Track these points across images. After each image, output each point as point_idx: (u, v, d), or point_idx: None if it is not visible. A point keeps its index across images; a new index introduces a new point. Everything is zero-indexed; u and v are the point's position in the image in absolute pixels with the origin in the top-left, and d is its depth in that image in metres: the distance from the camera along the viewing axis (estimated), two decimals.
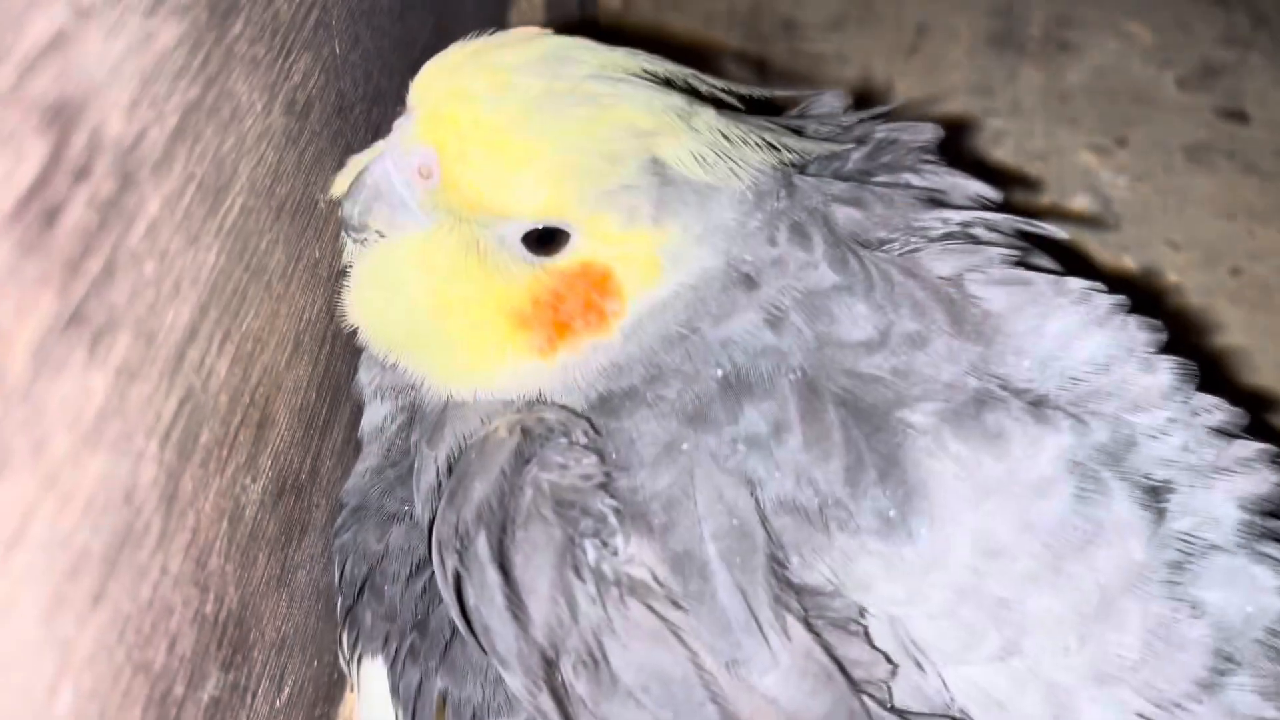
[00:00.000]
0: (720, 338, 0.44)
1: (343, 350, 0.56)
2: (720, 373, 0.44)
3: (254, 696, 0.47)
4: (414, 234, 0.47)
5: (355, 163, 0.50)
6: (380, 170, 0.46)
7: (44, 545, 0.30)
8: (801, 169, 0.51)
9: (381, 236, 0.48)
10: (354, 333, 0.52)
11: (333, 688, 0.60)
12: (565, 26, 1.01)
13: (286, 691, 0.51)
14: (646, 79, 0.45)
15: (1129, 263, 0.87)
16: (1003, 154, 0.96)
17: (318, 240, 0.51)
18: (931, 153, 0.60)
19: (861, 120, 0.55)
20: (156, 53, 0.34)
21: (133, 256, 0.33)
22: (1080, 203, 0.91)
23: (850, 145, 0.53)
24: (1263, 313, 0.84)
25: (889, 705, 0.42)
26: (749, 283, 0.45)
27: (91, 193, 0.30)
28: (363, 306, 0.50)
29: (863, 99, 0.96)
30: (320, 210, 0.51)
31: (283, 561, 0.49)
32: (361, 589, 0.50)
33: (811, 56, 1.04)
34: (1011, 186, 0.89)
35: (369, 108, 0.57)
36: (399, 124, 0.47)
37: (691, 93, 0.47)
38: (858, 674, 0.41)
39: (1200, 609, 0.43)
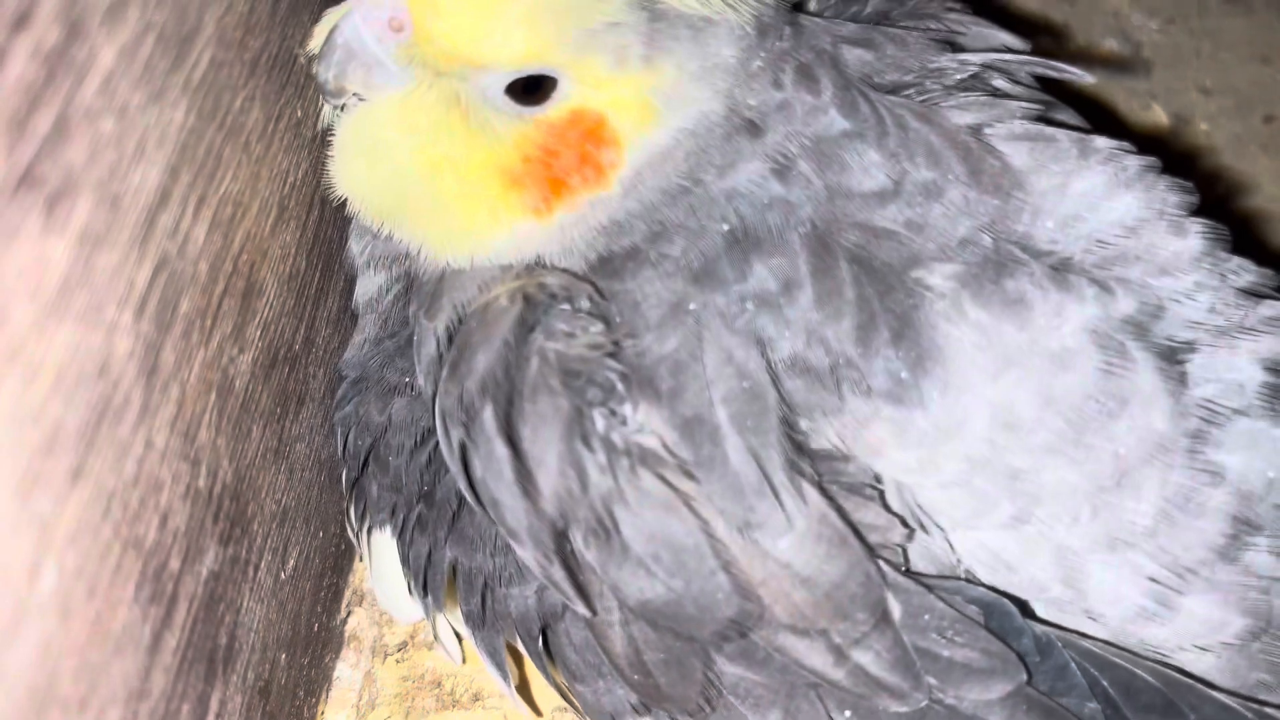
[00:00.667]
0: (725, 189, 0.42)
1: (333, 215, 0.53)
2: (726, 227, 0.41)
3: (256, 570, 0.46)
4: (393, 93, 0.44)
5: (325, 21, 0.47)
6: (350, 28, 0.43)
7: (11, 419, 0.28)
8: (815, 13, 0.48)
9: (360, 99, 0.45)
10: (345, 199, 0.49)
11: (340, 558, 0.59)
12: None
13: (291, 563, 0.51)
14: None
15: (1159, 110, 0.83)
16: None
17: (299, 98, 0.48)
18: (959, 3, 0.56)
19: None
20: None
21: (87, 113, 0.31)
22: (1109, 48, 0.87)
23: None
24: None
25: (904, 570, 0.41)
26: (753, 129, 0.43)
27: (34, 44, 0.28)
28: (347, 174, 0.47)
29: None
30: (300, 66, 0.48)
31: (279, 434, 0.48)
32: (366, 461, 0.49)
33: None
34: (1038, 35, 0.85)
35: None
36: None
37: None
38: (873, 539, 0.40)
39: (1221, 474, 0.41)
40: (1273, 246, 0.75)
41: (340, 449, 0.51)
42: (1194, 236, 0.44)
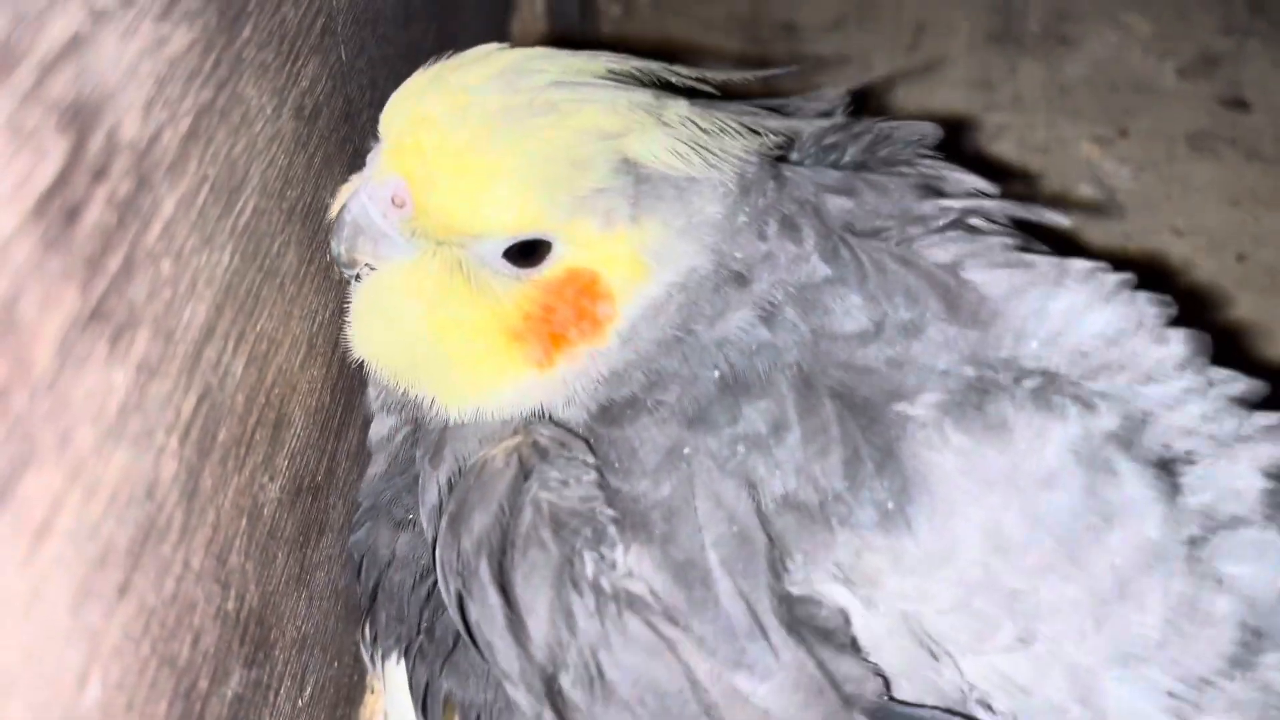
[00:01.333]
0: (716, 338, 0.45)
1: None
2: (718, 374, 0.44)
3: (276, 695, 0.47)
4: (401, 262, 0.47)
5: (340, 196, 0.50)
6: (358, 205, 0.46)
7: (71, 535, 0.30)
8: (796, 162, 0.51)
9: (371, 268, 0.48)
10: None
11: (353, 689, 0.60)
12: (565, 35, 1.02)
13: (309, 691, 0.52)
14: (611, 79, 0.45)
15: (1134, 252, 0.87)
16: (1005, 147, 0.97)
17: (329, 245, 0.52)
18: (929, 148, 0.60)
19: (850, 104, 0.56)
20: (169, 56, 0.34)
21: (150, 255, 0.34)
22: (1084, 193, 0.92)
23: (839, 120, 0.54)
24: (1271, 296, 0.84)
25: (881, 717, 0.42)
26: (740, 280, 0.45)
27: (110, 192, 0.31)
28: (363, 339, 0.50)
29: (862, 97, 0.97)
30: (331, 215, 0.52)
31: (301, 561, 0.50)
32: (376, 591, 0.51)
33: (812, 58, 1.05)
34: (1012, 181, 0.90)
35: (375, 113, 0.57)
36: (371, 156, 0.47)
37: (665, 86, 0.47)
38: (849, 689, 0.41)
39: (1226, 584, 0.42)
40: (1257, 360, 0.78)
41: (356, 573, 0.53)
42: (1176, 344, 0.46)
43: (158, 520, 0.35)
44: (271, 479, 0.45)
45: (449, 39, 0.73)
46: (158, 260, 0.34)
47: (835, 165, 0.55)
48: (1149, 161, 0.95)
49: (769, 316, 0.45)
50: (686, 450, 0.43)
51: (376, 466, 0.56)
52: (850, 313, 0.45)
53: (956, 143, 0.93)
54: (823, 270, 0.46)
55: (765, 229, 0.46)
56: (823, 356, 0.44)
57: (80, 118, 0.29)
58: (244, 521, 0.43)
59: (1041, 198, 0.88)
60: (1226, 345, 0.48)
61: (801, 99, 0.58)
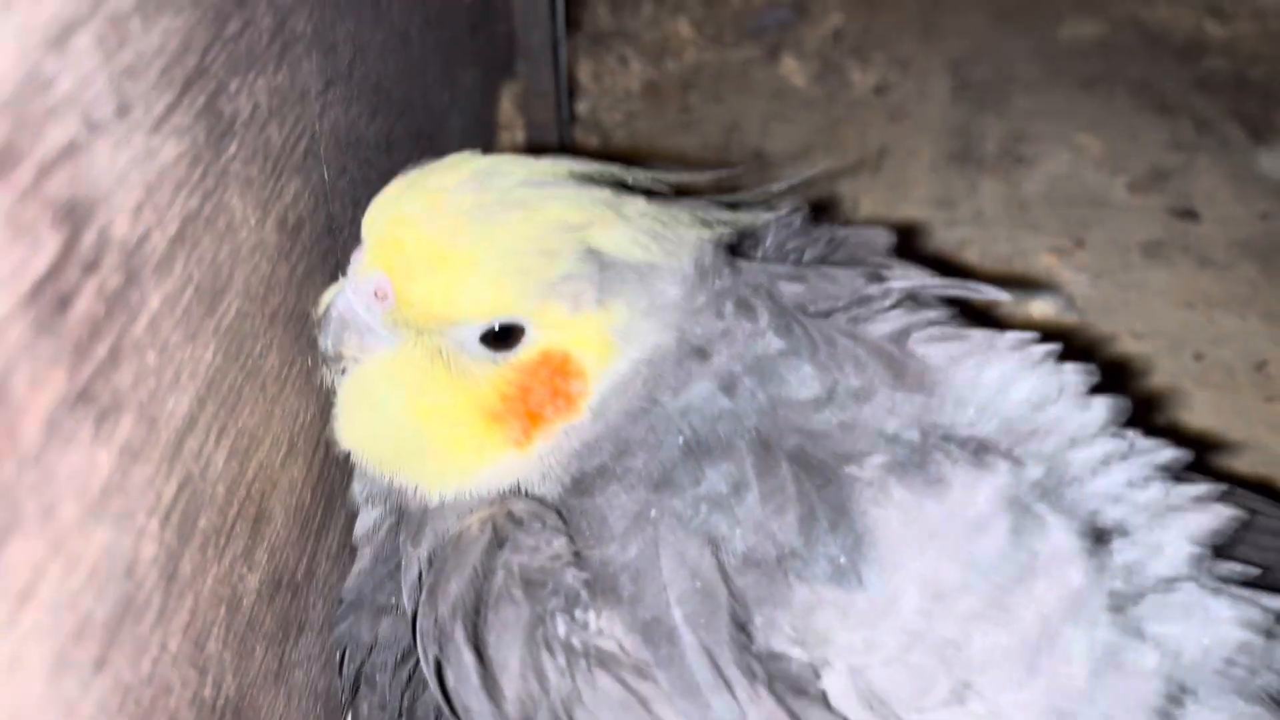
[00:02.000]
0: (680, 407, 0.47)
1: (337, 458, 0.58)
2: (682, 440, 0.46)
3: None
4: (385, 354, 0.50)
5: (326, 296, 0.54)
6: (343, 302, 0.50)
7: (51, 606, 0.32)
8: (753, 257, 0.55)
9: (357, 362, 0.51)
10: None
11: None
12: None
13: None
14: (573, 180, 0.49)
15: (1096, 354, 0.90)
16: (968, 259, 1.01)
17: (311, 350, 0.54)
18: (883, 252, 0.64)
19: (810, 212, 0.59)
20: (159, 166, 0.38)
21: (136, 346, 0.36)
22: (1044, 301, 0.95)
23: (797, 226, 0.57)
24: (1229, 393, 0.86)
25: None
26: (701, 354, 0.48)
27: (99, 284, 0.34)
28: (350, 430, 0.52)
29: (822, 208, 1.01)
30: (312, 322, 0.54)
31: (280, 657, 0.51)
32: (358, 681, 0.52)
33: (780, 178, 1.09)
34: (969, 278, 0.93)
35: (357, 230, 0.61)
36: (354, 256, 0.50)
37: (621, 186, 0.51)
38: None
39: (1153, 640, 0.44)
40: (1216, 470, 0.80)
41: (338, 667, 0.54)
42: (1098, 409, 0.49)
43: (136, 598, 0.37)
44: (251, 570, 0.47)
45: None
46: (143, 351, 0.37)
47: (796, 263, 0.59)
48: (1106, 269, 0.99)
49: (729, 386, 0.48)
50: (653, 512, 0.45)
51: (361, 562, 0.57)
52: (804, 381, 0.48)
53: (911, 248, 0.97)
54: (777, 344, 0.49)
55: (722, 309, 0.49)
56: (780, 422, 0.47)
57: (74, 215, 0.32)
58: (222, 610, 0.44)
59: (1000, 313, 0.91)
60: (1192, 445, 0.51)
61: (762, 207, 0.62)
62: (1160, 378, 0.88)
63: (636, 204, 0.50)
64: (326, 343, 0.51)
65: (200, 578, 0.42)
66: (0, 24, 0.29)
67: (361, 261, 0.49)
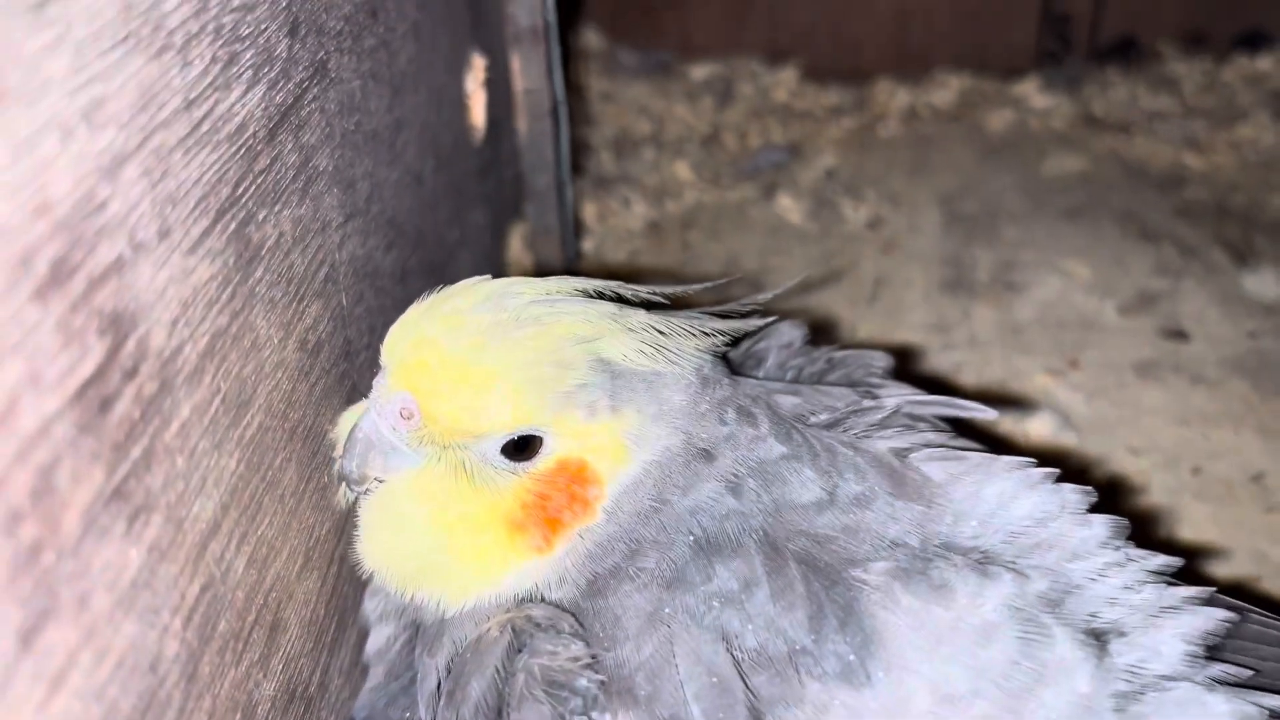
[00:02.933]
0: (689, 506, 0.49)
1: (350, 574, 0.60)
2: (692, 538, 0.48)
3: None
4: (408, 471, 0.52)
5: (344, 424, 0.56)
6: (369, 423, 0.52)
7: (80, 693, 0.33)
8: (755, 375, 0.57)
9: (379, 482, 0.53)
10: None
11: None
12: None
13: None
14: (580, 296, 0.53)
15: (1095, 471, 0.92)
16: (963, 381, 1.03)
17: (326, 467, 0.56)
18: (880, 373, 0.67)
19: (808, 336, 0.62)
20: (193, 284, 0.41)
21: (167, 449, 0.39)
22: (1041, 419, 0.97)
23: (798, 347, 0.60)
24: (1228, 505, 0.88)
25: None
26: (707, 456, 0.51)
27: (138, 390, 0.36)
28: (374, 550, 0.54)
29: (820, 329, 1.04)
30: (329, 440, 0.57)
31: None
32: None
33: (779, 312, 1.13)
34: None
35: (372, 355, 0.64)
36: (377, 381, 0.53)
37: (621, 300, 0.54)
38: None
39: None
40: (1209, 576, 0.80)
41: None
42: (1097, 526, 0.51)
43: (158, 694, 0.38)
44: (266, 678, 0.48)
45: None
46: (174, 455, 0.39)
47: (795, 379, 0.62)
48: (1100, 389, 1.02)
49: (735, 487, 0.50)
50: (667, 610, 0.47)
51: (374, 679, 0.58)
52: (805, 484, 0.50)
53: (907, 371, 0.99)
54: (779, 449, 0.51)
55: (725, 415, 0.52)
56: (785, 524, 0.49)
57: (118, 325, 0.35)
58: (238, 716, 0.45)
59: (999, 434, 0.94)
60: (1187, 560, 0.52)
61: (760, 329, 0.65)
62: (1158, 493, 0.89)
63: (639, 316, 0.53)
64: (351, 465, 0.52)
65: (218, 680, 0.43)
66: (61, 153, 0.32)
67: (385, 384, 0.51)
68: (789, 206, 1.36)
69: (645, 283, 0.55)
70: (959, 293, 1.18)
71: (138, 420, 0.37)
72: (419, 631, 0.55)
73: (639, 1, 1.68)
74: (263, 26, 0.48)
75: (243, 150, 0.45)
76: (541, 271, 1.08)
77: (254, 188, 0.47)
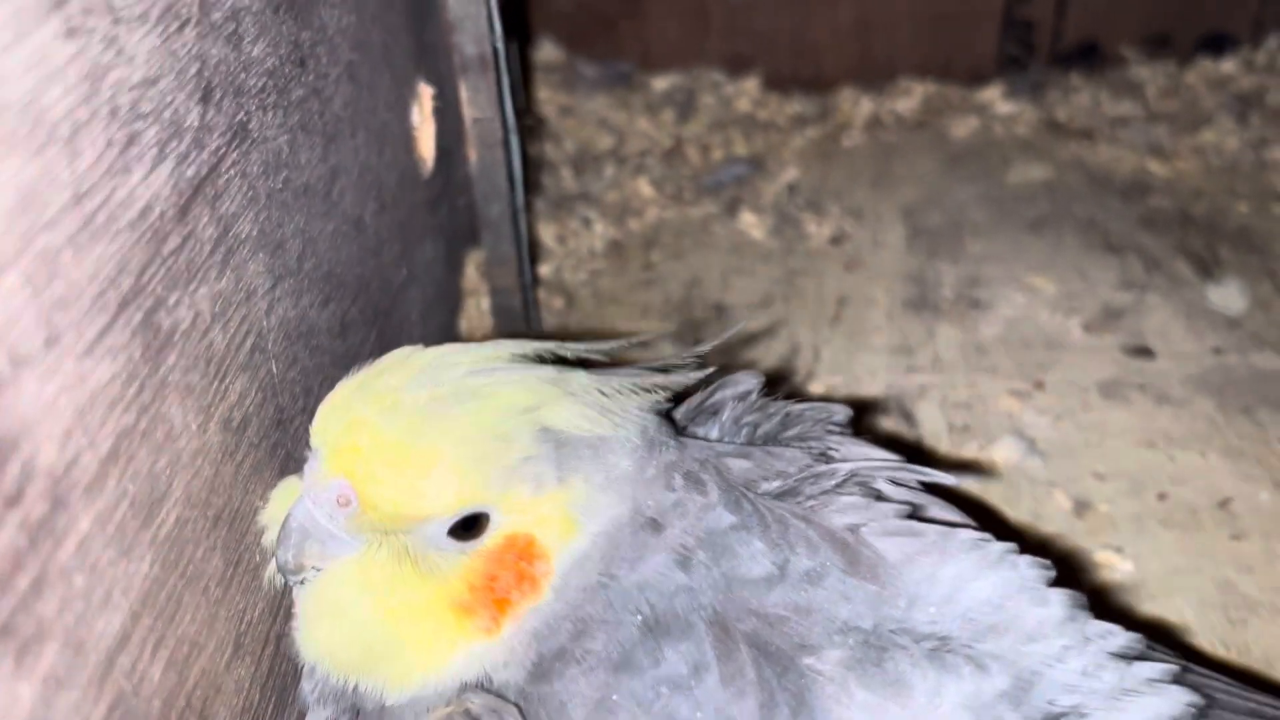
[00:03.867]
0: (637, 581, 0.47)
1: (286, 650, 0.58)
2: (640, 618, 0.46)
3: None
4: (347, 560, 0.50)
5: (275, 502, 0.54)
6: (303, 512, 0.50)
7: None
8: (703, 437, 0.55)
9: (317, 571, 0.51)
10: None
11: None
12: (512, 334, 1.09)
13: None
14: (517, 362, 0.51)
15: (1060, 496, 0.91)
16: (928, 406, 1.02)
17: (258, 545, 0.54)
18: (841, 427, 0.65)
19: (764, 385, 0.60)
20: (90, 389, 0.38)
21: (62, 571, 0.36)
22: (1007, 445, 0.96)
23: (754, 400, 0.58)
24: (1194, 532, 0.87)
25: None
26: (655, 525, 0.49)
27: (22, 517, 0.34)
28: (314, 641, 0.52)
29: (779, 379, 1.03)
30: (259, 520, 0.54)
31: None
32: None
33: (741, 333, 1.12)
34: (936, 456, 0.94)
35: (309, 419, 0.61)
36: (308, 466, 0.50)
37: (560, 361, 0.52)
38: None
39: None
40: (1140, 616, 0.79)
41: None
42: (1055, 605, 0.49)
43: None
44: None
45: (390, 343, 0.79)
46: (70, 576, 0.37)
47: (749, 441, 0.60)
48: (1065, 411, 1.00)
49: (683, 560, 0.48)
50: (615, 698, 0.45)
51: None
52: (755, 557, 0.48)
53: (866, 421, 0.98)
54: (728, 518, 0.49)
55: (672, 481, 0.50)
56: (735, 601, 0.47)
57: None
58: None
59: (960, 464, 0.92)
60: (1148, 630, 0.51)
61: (706, 379, 0.63)
62: (1124, 521, 0.88)
63: (579, 378, 0.51)
64: (287, 556, 0.50)
65: None
66: None
67: (318, 469, 0.49)
68: (752, 223, 1.34)
69: (582, 340, 0.53)
70: (923, 311, 1.16)
71: (25, 548, 0.34)
72: (359, 715, 0.53)
73: (598, 12, 1.66)
74: (168, 99, 0.45)
75: (148, 235, 0.43)
76: (497, 301, 1.06)
77: (162, 272, 0.44)
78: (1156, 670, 0.48)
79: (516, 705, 0.47)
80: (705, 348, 0.57)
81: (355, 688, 0.51)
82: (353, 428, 0.48)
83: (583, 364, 0.53)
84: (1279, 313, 1.12)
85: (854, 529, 0.50)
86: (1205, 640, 0.77)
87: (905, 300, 1.19)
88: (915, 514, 0.54)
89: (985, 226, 1.32)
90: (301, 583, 0.51)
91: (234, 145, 0.52)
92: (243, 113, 0.53)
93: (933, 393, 1.04)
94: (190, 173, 0.47)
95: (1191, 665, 0.52)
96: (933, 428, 0.99)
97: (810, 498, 0.52)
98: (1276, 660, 0.76)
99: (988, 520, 0.54)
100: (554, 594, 0.49)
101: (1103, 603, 0.50)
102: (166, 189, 0.45)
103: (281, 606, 0.56)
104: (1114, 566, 0.83)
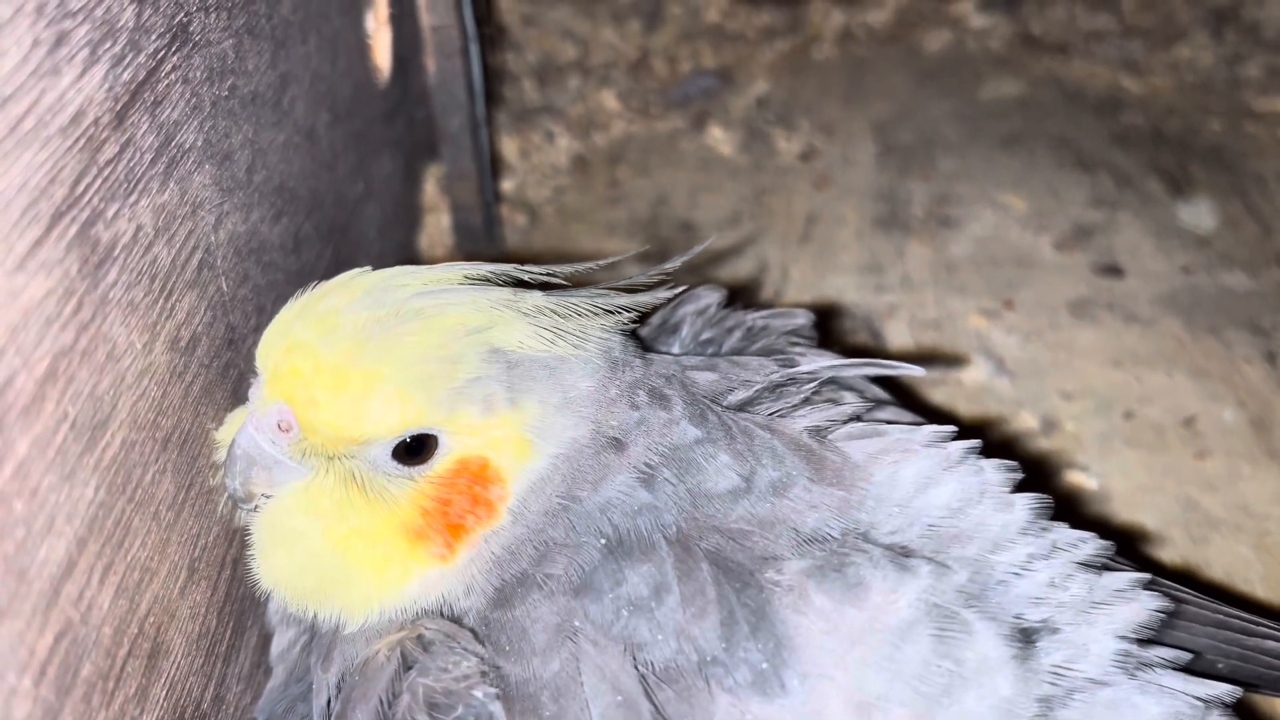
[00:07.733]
0: (599, 503, 0.46)
1: (244, 574, 0.56)
2: (603, 541, 0.45)
3: None
4: (296, 485, 0.48)
5: (225, 429, 0.52)
6: (246, 438, 0.48)
7: None
8: (666, 352, 0.54)
9: (268, 498, 0.49)
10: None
11: None
12: (473, 252, 1.07)
13: None
14: (470, 283, 0.49)
15: (1027, 416, 0.90)
16: (897, 325, 1.01)
17: (211, 468, 0.52)
18: (804, 336, 0.63)
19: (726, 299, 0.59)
20: (23, 306, 0.36)
21: (1, 497, 0.34)
22: (976, 365, 0.95)
23: (714, 314, 0.57)
24: (1159, 452, 0.87)
25: None
26: (618, 445, 0.47)
27: None
28: (269, 569, 0.50)
29: (739, 293, 1.01)
30: (213, 439, 0.53)
31: None
32: None
33: (709, 252, 1.10)
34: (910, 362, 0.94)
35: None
36: (252, 390, 0.48)
37: (519, 284, 0.50)
38: None
39: None
40: (1116, 523, 0.80)
41: None
42: (1020, 509, 0.48)
43: None
44: (144, 711, 0.45)
45: (346, 260, 0.77)
46: (9, 501, 0.35)
47: (716, 354, 0.58)
48: (1034, 330, 1.00)
49: (647, 478, 0.47)
50: (575, 622, 0.44)
51: (275, 679, 0.55)
52: (721, 471, 0.47)
53: (830, 328, 0.97)
54: (693, 433, 0.48)
55: (636, 399, 0.49)
56: (699, 517, 0.46)
57: None
58: None
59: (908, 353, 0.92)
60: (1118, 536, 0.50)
61: (672, 299, 0.61)
62: (1090, 439, 0.88)
63: (534, 299, 0.49)
64: (235, 483, 0.49)
65: None
66: None
67: (260, 394, 0.47)
68: (720, 138, 1.31)
69: (544, 263, 0.51)
70: (893, 230, 1.15)
71: None
72: (315, 636, 0.52)
73: None
74: None
75: (81, 142, 0.40)
76: (458, 218, 1.03)
77: (99, 182, 0.42)
78: (1124, 579, 0.48)
79: (473, 631, 0.46)
80: (671, 265, 0.55)
81: (314, 615, 0.50)
82: (292, 351, 0.47)
83: (544, 288, 0.51)
84: (1248, 232, 1.12)
85: (819, 433, 0.49)
86: (1168, 556, 0.78)
87: (875, 218, 1.17)
88: (879, 414, 0.53)
89: (957, 143, 1.30)
90: (254, 510, 0.50)
91: (174, 48, 0.49)
92: (183, 13, 0.50)
93: (901, 312, 1.03)
94: (126, 76, 0.44)
95: (1159, 578, 0.52)
96: (901, 347, 0.98)
97: (776, 405, 0.51)
98: (1237, 576, 0.76)
99: (955, 424, 0.53)
100: (512, 518, 0.47)
101: (1072, 510, 0.49)
102: (100, 93, 0.42)
103: (238, 530, 0.55)
104: (1080, 486, 0.84)
